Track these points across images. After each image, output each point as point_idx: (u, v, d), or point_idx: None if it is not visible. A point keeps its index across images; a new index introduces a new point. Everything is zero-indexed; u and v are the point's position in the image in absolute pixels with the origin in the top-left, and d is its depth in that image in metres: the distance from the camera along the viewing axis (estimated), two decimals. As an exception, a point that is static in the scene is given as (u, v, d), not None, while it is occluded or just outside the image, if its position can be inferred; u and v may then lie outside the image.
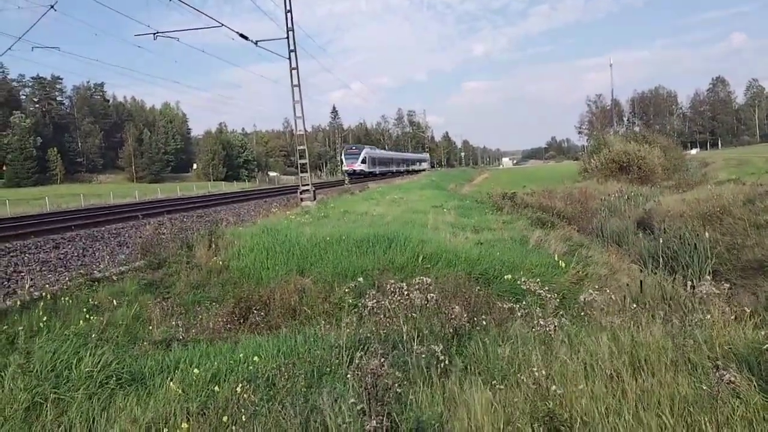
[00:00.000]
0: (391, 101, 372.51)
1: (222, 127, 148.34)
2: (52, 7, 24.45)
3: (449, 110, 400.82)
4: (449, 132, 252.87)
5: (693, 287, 6.83)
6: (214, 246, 15.30)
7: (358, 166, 74.55)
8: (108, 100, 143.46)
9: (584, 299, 6.97)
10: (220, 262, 13.87)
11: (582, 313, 7.11)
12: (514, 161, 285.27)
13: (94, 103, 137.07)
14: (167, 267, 13.88)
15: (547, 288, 7.24)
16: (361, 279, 9.05)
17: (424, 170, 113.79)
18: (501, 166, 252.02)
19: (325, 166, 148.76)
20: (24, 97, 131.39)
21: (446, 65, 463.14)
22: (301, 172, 28.67)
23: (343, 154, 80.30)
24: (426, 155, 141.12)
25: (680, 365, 5.14)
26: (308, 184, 28.01)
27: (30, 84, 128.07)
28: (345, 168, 76.42)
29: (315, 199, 27.89)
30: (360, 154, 76.06)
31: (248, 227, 18.34)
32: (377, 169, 79.23)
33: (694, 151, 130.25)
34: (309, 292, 12.06)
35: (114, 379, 5.72)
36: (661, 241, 16.31)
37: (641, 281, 10.63)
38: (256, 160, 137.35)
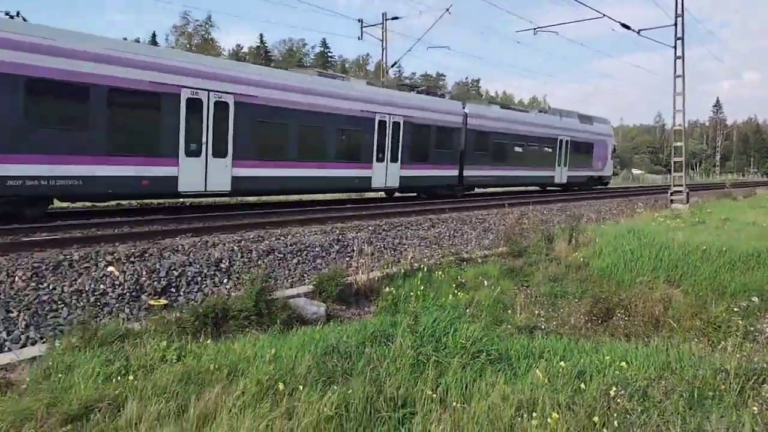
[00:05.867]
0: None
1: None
2: (447, 10, 27.14)
3: None
4: None
5: None
6: (574, 241, 15.20)
7: None
8: (482, 95, 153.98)
9: None
10: (580, 259, 13.71)
11: None
12: None
13: (470, 97, 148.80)
14: (527, 256, 14.29)
15: None
16: (755, 299, 7.84)
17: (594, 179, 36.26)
18: None
19: (699, 165, 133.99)
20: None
21: None
22: (675, 171, 26.37)
23: None
24: (596, 126, 36.11)
25: None
26: (681, 185, 25.63)
27: (419, 81, 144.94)
28: None
29: (687, 201, 25.40)
30: None
31: (610, 226, 17.72)
32: None
33: None
34: (676, 304, 11.08)
35: (484, 354, 6.09)
36: None
37: None
38: (619, 157, 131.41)
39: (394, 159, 21.75)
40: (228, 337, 7.23)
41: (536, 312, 9.50)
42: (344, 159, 19.98)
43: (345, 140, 20.04)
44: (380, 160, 21.18)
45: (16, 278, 8.39)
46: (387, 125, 21.34)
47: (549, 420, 4.40)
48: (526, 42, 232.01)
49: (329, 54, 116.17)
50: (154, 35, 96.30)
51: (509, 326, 8.43)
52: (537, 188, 32.15)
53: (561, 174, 31.95)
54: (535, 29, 28.77)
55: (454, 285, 11.03)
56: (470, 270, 12.35)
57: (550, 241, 15.24)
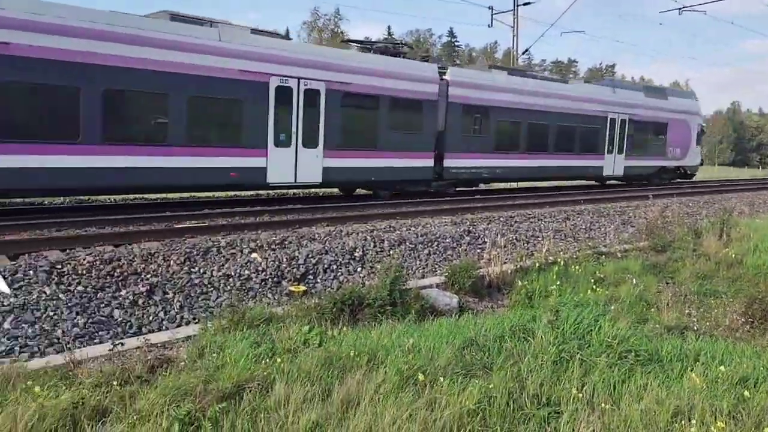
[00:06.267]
0: None
1: (735, 107, 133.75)
2: (581, -8, 25.84)
3: None
4: None
5: None
6: (725, 236, 14.06)
7: None
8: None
9: None
10: (733, 255, 12.66)
11: None
12: None
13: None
14: (671, 252, 13.40)
15: None
16: None
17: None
18: None
19: None
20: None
21: None
22: None
23: None
24: (672, 101, 27.49)
25: None
26: None
27: (549, 68, 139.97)
28: None
29: None
30: None
31: (766, 220, 16.24)
32: None
33: None
34: None
35: (633, 354, 5.74)
36: None
37: None
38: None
39: (309, 143, 15.49)
40: (364, 325, 7.37)
41: (686, 311, 8.83)
42: (206, 142, 13.88)
43: (209, 115, 13.97)
44: (282, 144, 15.01)
45: (171, 262, 9.09)
46: (294, 94, 15.09)
47: (712, 428, 4.05)
48: (670, 23, 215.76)
49: (456, 43, 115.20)
50: (287, 32, 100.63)
51: (657, 326, 7.90)
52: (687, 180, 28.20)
53: (613, 163, 24.64)
54: (680, 9, 26.72)
55: (592, 280, 10.58)
56: (609, 264, 11.78)
57: (697, 235, 14.22)
